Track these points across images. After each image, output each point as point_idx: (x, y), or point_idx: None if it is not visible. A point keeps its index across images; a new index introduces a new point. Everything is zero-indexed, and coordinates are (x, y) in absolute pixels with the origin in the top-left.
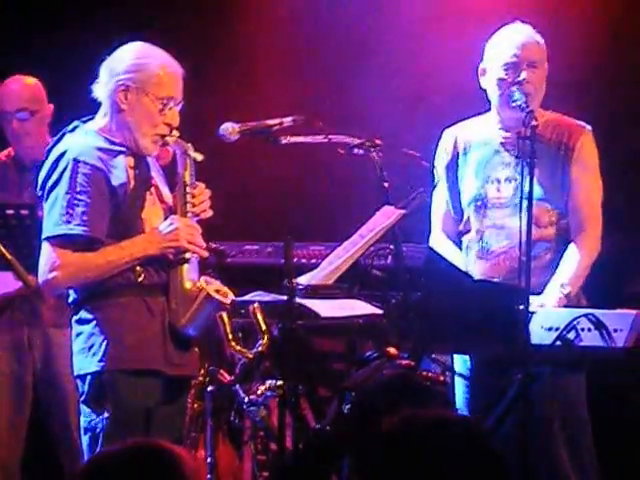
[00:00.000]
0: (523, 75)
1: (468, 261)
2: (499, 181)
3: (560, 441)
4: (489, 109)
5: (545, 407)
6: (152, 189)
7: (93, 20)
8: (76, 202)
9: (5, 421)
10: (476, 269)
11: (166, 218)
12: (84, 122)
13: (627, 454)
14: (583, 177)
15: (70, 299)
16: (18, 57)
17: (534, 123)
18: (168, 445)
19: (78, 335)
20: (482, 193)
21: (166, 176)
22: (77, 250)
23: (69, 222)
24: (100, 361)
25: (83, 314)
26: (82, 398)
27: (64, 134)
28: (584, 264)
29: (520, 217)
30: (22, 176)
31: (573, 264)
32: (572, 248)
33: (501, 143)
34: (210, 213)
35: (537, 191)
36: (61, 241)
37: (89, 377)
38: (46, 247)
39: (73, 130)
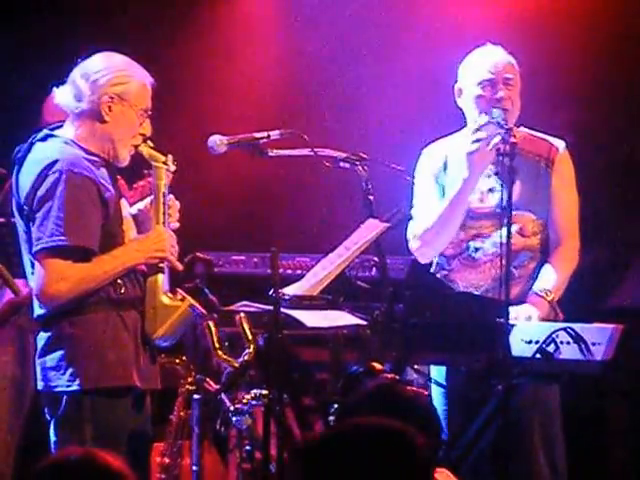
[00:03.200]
0: (500, 93)
1: (452, 269)
2: (482, 192)
3: (541, 454)
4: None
5: (526, 420)
6: (121, 201)
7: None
8: (72, 213)
9: (5, 425)
10: (461, 277)
11: (139, 231)
12: (52, 130)
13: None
14: (562, 190)
15: (38, 313)
16: None
17: (513, 140)
18: (112, 460)
19: (53, 350)
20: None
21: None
22: (73, 261)
23: (65, 233)
24: (80, 380)
25: (59, 329)
26: (58, 415)
27: (33, 143)
28: (563, 276)
29: (502, 227)
30: None
31: (555, 274)
32: (552, 260)
33: None
34: (178, 225)
35: (523, 202)
36: (58, 252)
37: (66, 396)
38: (45, 259)
39: (44, 139)
